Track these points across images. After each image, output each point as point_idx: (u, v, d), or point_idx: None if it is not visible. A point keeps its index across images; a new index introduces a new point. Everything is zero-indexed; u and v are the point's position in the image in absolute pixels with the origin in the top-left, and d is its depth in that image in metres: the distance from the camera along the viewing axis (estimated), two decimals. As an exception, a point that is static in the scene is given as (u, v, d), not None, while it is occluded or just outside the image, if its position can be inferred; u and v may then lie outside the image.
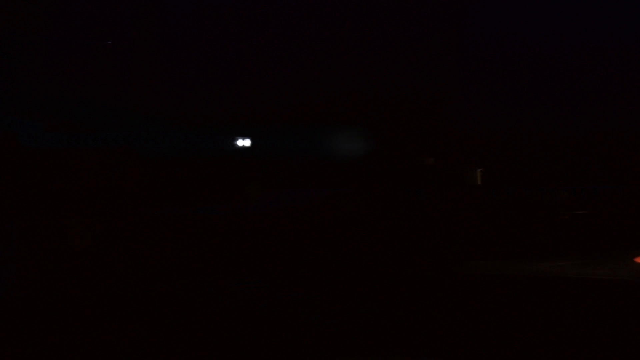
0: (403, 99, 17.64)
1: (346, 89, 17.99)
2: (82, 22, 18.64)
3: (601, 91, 16.74)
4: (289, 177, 17.48)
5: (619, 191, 13.38)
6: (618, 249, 12.22)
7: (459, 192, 14.54)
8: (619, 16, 16.83)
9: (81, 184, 17.63)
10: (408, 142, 17.38)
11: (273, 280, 11.82)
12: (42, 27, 17.32)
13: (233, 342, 7.80)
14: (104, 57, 18.79)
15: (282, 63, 18.80)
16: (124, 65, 19.05)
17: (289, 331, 8.22)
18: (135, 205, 17.00)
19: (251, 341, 7.85)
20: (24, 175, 17.25)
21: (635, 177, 14.28)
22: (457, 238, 13.74)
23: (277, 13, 19.12)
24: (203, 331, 8.32)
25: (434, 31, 18.17)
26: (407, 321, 8.59)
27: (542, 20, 17.15)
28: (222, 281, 11.89)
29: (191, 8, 19.39)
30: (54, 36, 17.96)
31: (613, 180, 14.22)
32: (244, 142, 17.34)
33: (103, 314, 9.43)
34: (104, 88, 18.66)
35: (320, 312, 9.23)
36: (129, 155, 18.04)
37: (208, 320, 8.94)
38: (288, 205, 15.93)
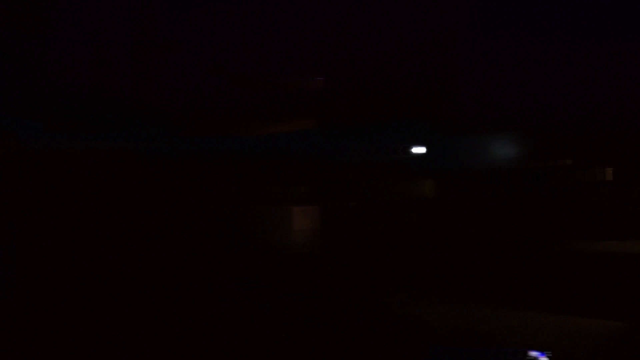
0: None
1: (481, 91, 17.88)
2: (82, 22, 18.65)
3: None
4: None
5: None
6: None
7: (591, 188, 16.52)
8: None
9: (81, 184, 17.63)
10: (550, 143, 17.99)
11: (278, 281, 11.79)
12: (42, 27, 17.32)
13: (233, 342, 7.80)
14: (104, 57, 18.80)
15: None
16: (124, 65, 19.05)
17: (289, 331, 8.22)
18: (137, 205, 16.98)
19: (251, 341, 7.84)
20: (24, 175, 17.25)
21: None
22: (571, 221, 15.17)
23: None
24: (203, 331, 8.32)
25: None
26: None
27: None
28: (222, 281, 11.88)
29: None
30: (54, 36, 17.98)
31: None
32: (418, 150, 17.30)
33: (103, 314, 9.42)
34: (104, 88, 18.65)
35: (319, 312, 9.23)
36: (129, 155, 18.05)
37: (208, 320, 8.94)
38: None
